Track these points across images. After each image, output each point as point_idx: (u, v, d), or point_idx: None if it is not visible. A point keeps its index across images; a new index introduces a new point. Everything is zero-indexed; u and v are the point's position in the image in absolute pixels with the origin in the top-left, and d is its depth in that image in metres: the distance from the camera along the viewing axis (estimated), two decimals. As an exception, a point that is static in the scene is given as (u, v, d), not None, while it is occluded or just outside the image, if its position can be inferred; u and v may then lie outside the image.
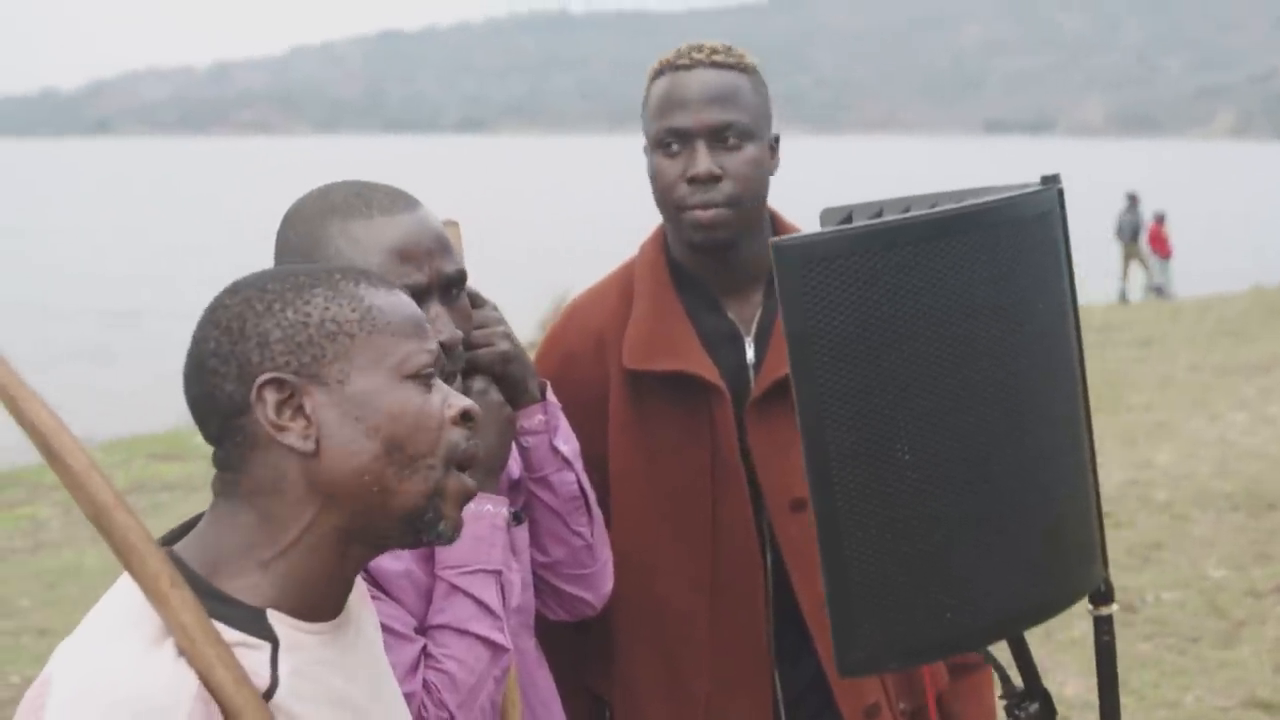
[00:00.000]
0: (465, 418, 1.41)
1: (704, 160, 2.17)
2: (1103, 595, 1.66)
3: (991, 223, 1.44)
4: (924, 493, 1.42)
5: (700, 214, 2.18)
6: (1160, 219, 23.99)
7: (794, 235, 1.41)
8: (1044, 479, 1.50)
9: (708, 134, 2.18)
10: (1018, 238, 1.47)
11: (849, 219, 1.64)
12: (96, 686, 1.24)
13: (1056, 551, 1.53)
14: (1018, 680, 1.72)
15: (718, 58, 2.21)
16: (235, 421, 1.35)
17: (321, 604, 1.38)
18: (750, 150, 2.19)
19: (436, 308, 1.80)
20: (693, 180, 2.17)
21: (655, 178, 2.23)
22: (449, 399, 1.41)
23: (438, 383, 1.41)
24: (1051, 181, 1.54)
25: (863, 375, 1.40)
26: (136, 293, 25.94)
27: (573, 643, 2.32)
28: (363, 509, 1.35)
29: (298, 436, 1.33)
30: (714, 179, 2.17)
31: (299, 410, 1.34)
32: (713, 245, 2.22)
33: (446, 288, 1.82)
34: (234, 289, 1.39)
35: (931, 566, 1.44)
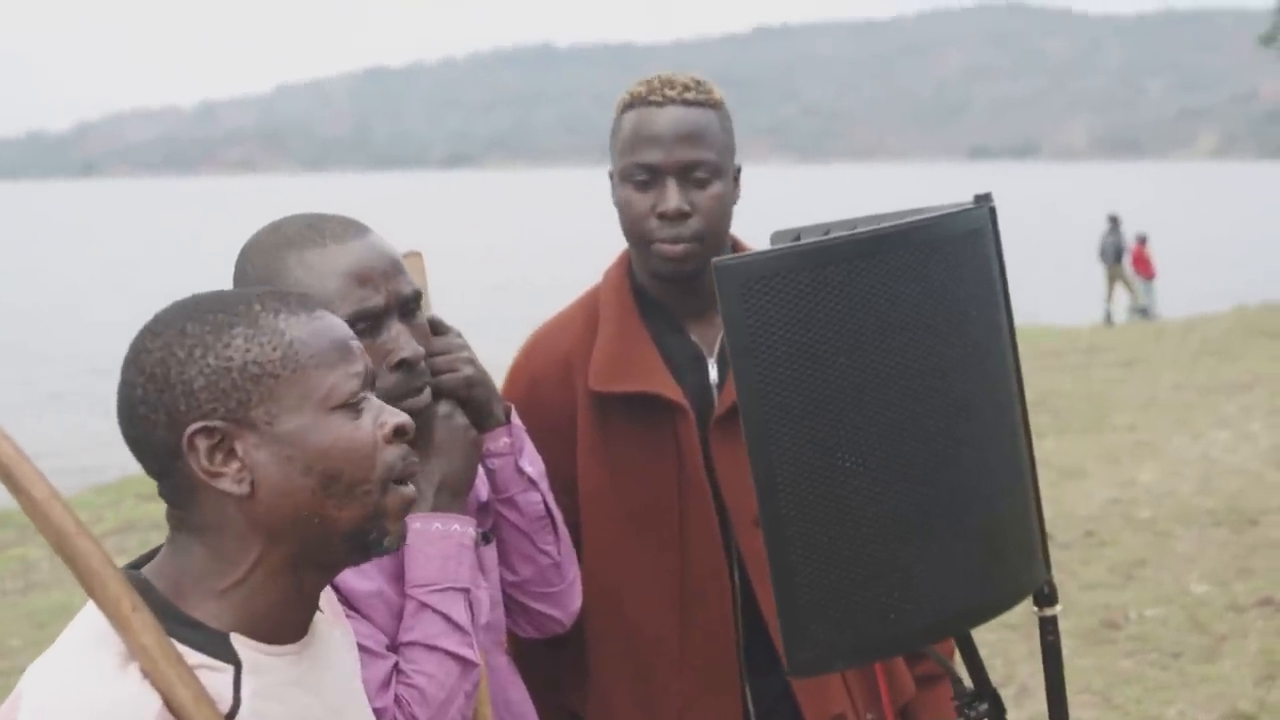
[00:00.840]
0: (399, 433, 1.43)
1: (674, 197, 2.25)
2: (1046, 597, 1.72)
3: (922, 240, 1.50)
4: (866, 498, 1.48)
5: (669, 248, 2.27)
6: (1142, 240, 24.11)
7: (734, 255, 1.47)
8: (982, 484, 1.56)
9: (678, 171, 2.25)
10: (948, 254, 1.53)
11: (798, 239, 1.71)
12: (63, 704, 1.29)
13: (997, 553, 1.59)
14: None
15: (689, 95, 2.28)
16: (172, 464, 1.37)
17: (283, 627, 1.42)
18: (717, 187, 2.28)
19: (397, 326, 1.86)
20: (662, 216, 2.25)
21: (624, 208, 2.31)
22: (380, 417, 1.43)
23: (369, 402, 1.43)
24: (984, 200, 1.61)
25: (803, 387, 1.46)
26: (124, 336, 25.90)
27: (547, 660, 2.38)
28: (306, 539, 1.39)
29: (232, 481, 1.36)
30: (683, 215, 2.25)
31: (231, 454, 1.36)
32: (679, 276, 2.31)
33: (404, 306, 1.88)
34: (154, 330, 1.40)
35: (875, 568, 1.50)
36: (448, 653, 1.87)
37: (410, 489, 1.46)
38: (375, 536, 1.42)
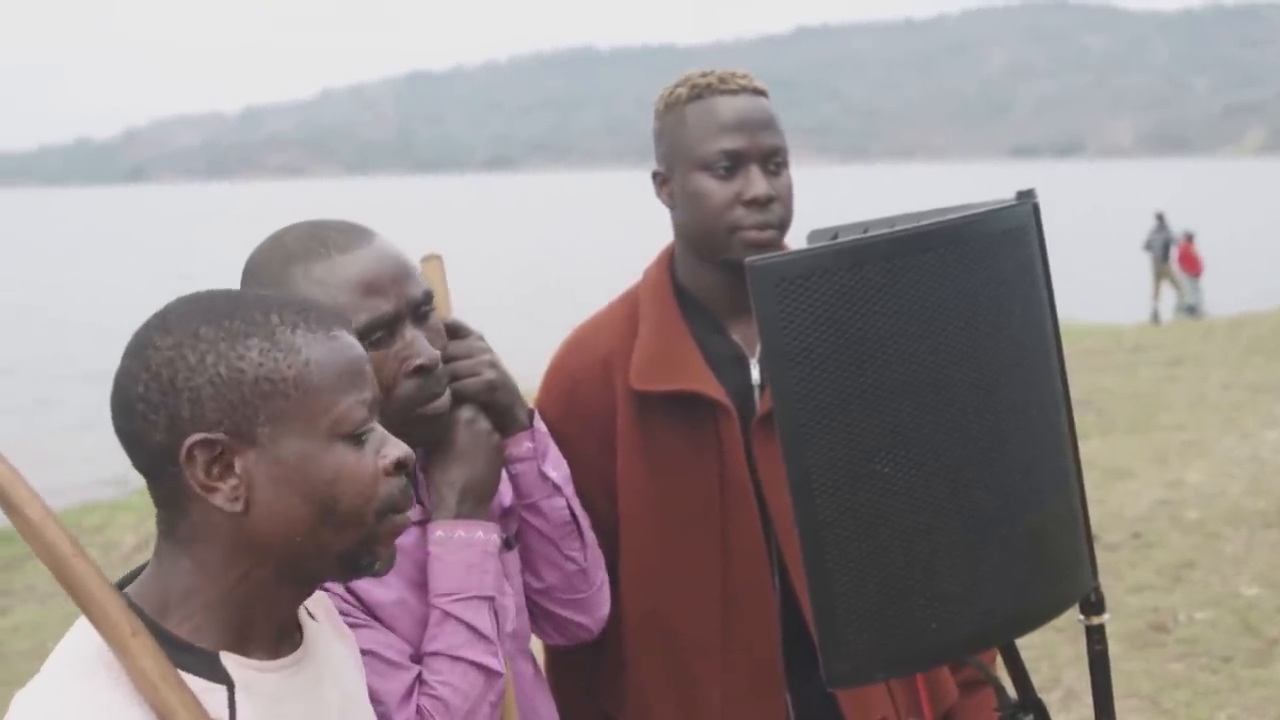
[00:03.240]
0: (399, 466, 1.40)
1: (762, 183, 2.23)
2: (1094, 604, 1.67)
3: (961, 239, 1.46)
4: (904, 504, 1.44)
5: (756, 234, 2.24)
6: (1189, 238, 23.87)
7: (768, 255, 1.44)
8: (1025, 488, 1.51)
9: (761, 158, 2.24)
10: (989, 253, 1.48)
11: (835, 238, 1.67)
12: None
13: (1042, 560, 1.54)
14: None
15: (757, 84, 2.30)
16: (166, 468, 1.33)
17: (268, 643, 1.39)
18: (787, 175, 2.29)
19: (411, 331, 1.82)
20: (751, 202, 2.23)
21: (701, 198, 2.26)
22: (383, 449, 1.40)
23: (373, 431, 1.40)
24: (1026, 196, 1.57)
25: (839, 390, 1.42)
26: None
27: (583, 663, 2.35)
28: (295, 559, 1.36)
29: (226, 498, 1.32)
30: (770, 201, 2.24)
31: (229, 469, 1.32)
32: None
33: (416, 310, 1.84)
34: (164, 326, 1.35)
35: (915, 577, 1.45)
36: (472, 663, 1.84)
37: (404, 517, 1.42)
38: (367, 561, 1.39)
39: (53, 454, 14.49)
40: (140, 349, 1.34)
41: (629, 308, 2.39)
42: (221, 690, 1.33)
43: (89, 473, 12.33)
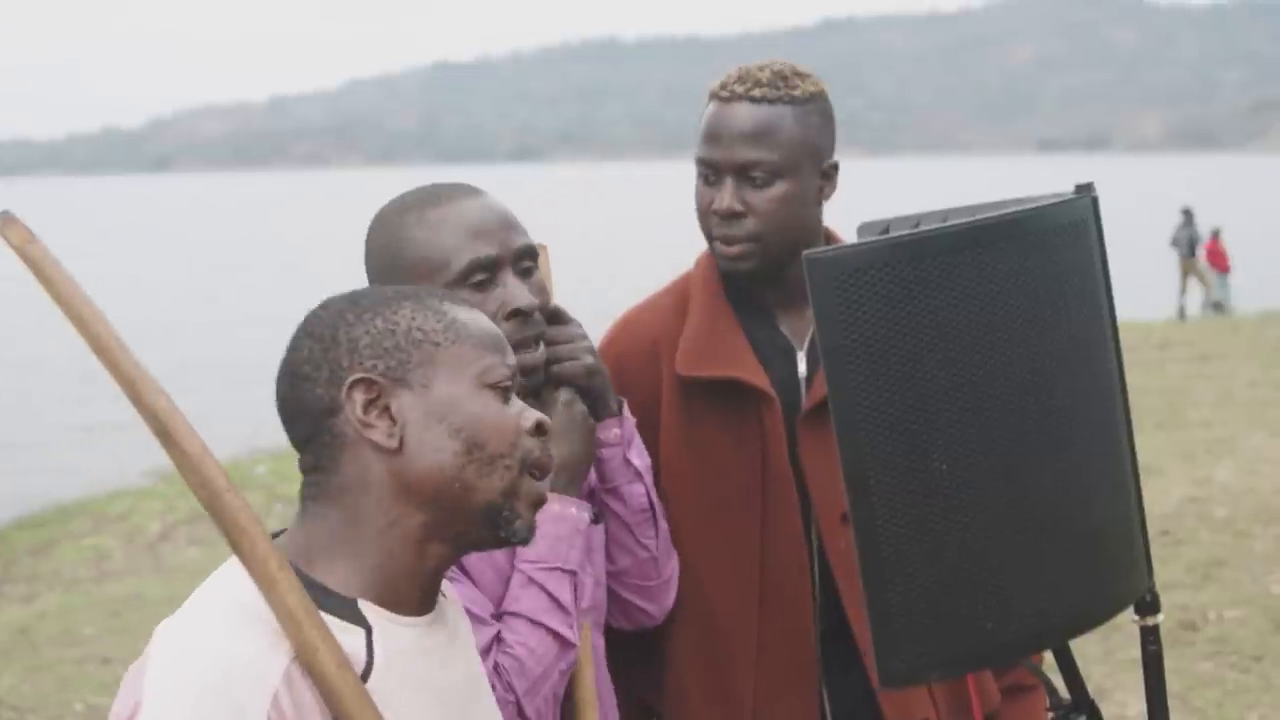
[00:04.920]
0: (539, 429, 1.48)
1: (726, 198, 2.23)
2: (1149, 605, 1.65)
3: (1020, 233, 1.44)
4: (961, 503, 1.43)
5: (724, 247, 2.26)
6: (1216, 234, 23.70)
7: (826, 248, 1.42)
8: (1082, 487, 1.50)
9: (736, 171, 2.23)
10: (1048, 247, 1.47)
11: (886, 232, 1.66)
12: (190, 659, 1.31)
13: (1097, 560, 1.52)
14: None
15: (760, 91, 2.23)
16: (325, 422, 1.43)
17: (408, 599, 1.44)
18: (778, 188, 2.22)
19: (511, 278, 1.92)
20: (717, 214, 2.24)
21: (696, 200, 2.30)
22: (525, 412, 1.49)
23: (514, 399, 1.50)
24: (1085, 190, 1.54)
25: (897, 386, 1.41)
26: (190, 330, 25.98)
27: (624, 651, 2.35)
28: (444, 505, 1.42)
29: (383, 434, 1.41)
30: (736, 215, 2.23)
31: (385, 410, 1.42)
32: (736, 275, 2.29)
33: (518, 261, 1.94)
34: (327, 303, 1.49)
35: (970, 576, 1.44)
36: (550, 630, 1.90)
37: (544, 485, 1.49)
38: (508, 515, 1.45)
39: (84, 449, 14.57)
40: (305, 325, 1.48)
41: (679, 294, 2.40)
42: (360, 633, 1.39)
43: (120, 471, 12.31)
